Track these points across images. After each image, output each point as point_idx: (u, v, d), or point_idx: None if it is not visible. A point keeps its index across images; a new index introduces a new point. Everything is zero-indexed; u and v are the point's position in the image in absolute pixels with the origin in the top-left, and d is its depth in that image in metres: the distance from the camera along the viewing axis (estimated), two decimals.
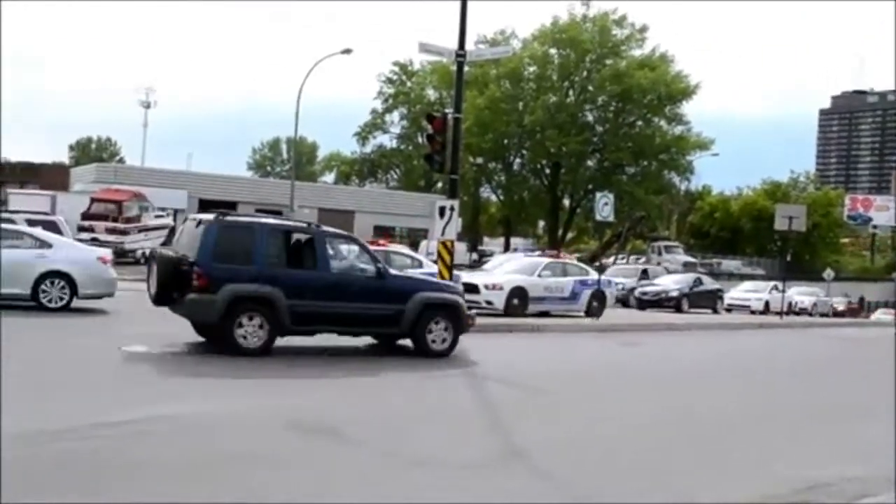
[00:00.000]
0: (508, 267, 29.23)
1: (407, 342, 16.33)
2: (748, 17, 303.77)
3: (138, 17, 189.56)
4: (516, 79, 78.33)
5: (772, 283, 49.63)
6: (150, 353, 13.86)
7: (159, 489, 6.94)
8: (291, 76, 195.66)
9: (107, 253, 20.64)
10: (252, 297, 14.32)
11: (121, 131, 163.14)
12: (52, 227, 23.20)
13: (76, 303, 18.63)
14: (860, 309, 64.77)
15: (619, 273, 41.39)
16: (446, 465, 8.47)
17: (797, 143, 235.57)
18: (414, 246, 44.39)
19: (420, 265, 23.03)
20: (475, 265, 46.13)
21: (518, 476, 8.23)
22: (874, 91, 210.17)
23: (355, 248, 16.69)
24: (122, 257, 40.58)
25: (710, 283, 43.33)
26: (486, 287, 25.57)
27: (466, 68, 24.55)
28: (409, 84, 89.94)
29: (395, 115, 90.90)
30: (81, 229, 39.19)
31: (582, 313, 27.73)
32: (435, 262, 22.81)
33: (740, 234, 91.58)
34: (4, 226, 19.19)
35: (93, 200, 44.17)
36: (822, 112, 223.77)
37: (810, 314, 48.66)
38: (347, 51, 52.53)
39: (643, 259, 66.66)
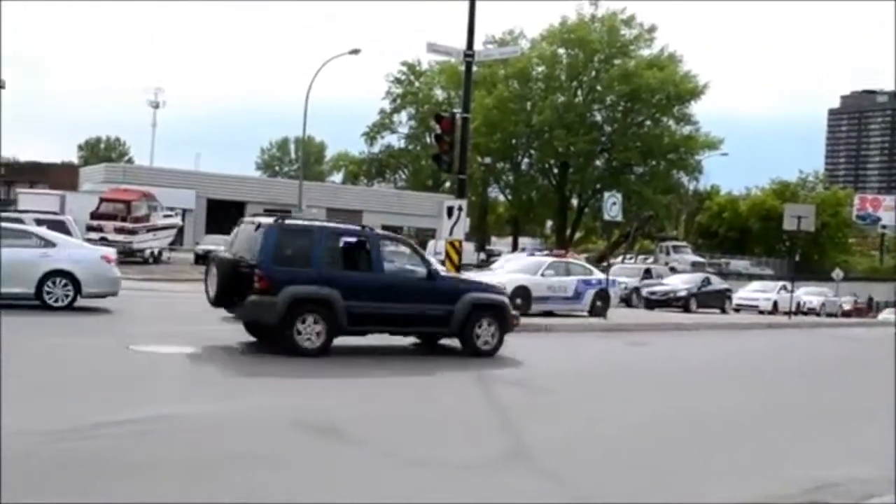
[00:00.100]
0: (512, 266, 29.18)
1: (448, 341, 16.76)
2: (757, 16, 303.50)
3: (147, 17, 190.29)
4: (524, 79, 78.29)
5: (780, 283, 49.53)
6: (156, 353, 13.85)
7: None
8: (300, 76, 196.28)
9: (110, 252, 20.62)
10: (311, 299, 14.63)
11: (130, 131, 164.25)
12: (61, 226, 23.20)
13: (80, 302, 18.65)
14: (867, 309, 64.65)
15: (622, 272, 41.25)
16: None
17: (806, 142, 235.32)
18: (422, 246, 44.38)
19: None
20: (483, 265, 46.08)
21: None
22: (884, 91, 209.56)
23: (406, 249, 17.41)
24: (131, 257, 40.68)
25: (718, 283, 43.26)
26: None
27: (475, 68, 24.58)
28: (417, 84, 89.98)
29: (404, 115, 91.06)
30: (90, 229, 39.23)
31: (585, 313, 27.69)
32: (443, 262, 22.78)
33: (749, 233, 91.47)
34: (8, 225, 19.18)
35: (102, 200, 44.19)
36: (832, 112, 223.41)
37: (818, 314, 48.57)
38: (356, 51, 52.56)
39: (651, 259, 66.56)
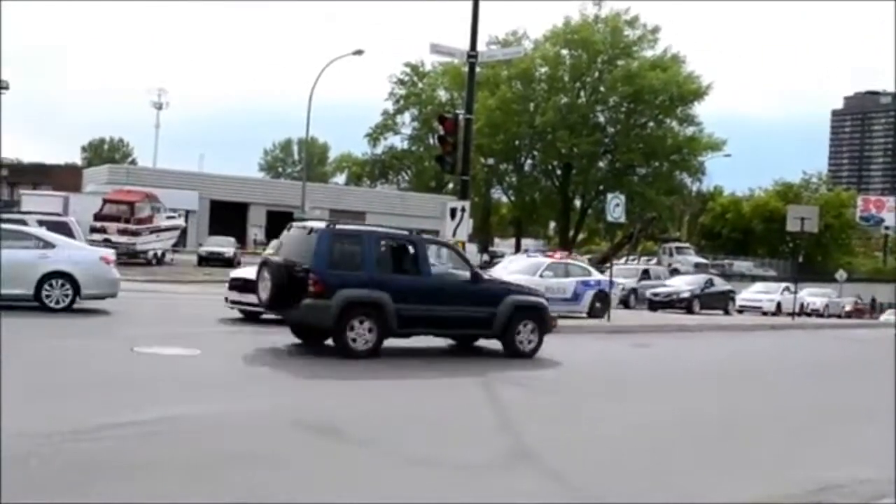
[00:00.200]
0: (511, 268, 29.15)
1: (481, 343, 17.19)
2: (760, 17, 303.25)
3: (150, 18, 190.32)
4: (528, 80, 78.35)
5: (783, 285, 49.46)
6: (160, 354, 13.85)
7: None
8: (303, 77, 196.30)
9: (110, 253, 20.58)
10: (363, 302, 14.95)
11: (133, 132, 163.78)
12: (64, 228, 23.13)
13: (81, 304, 18.62)
14: (871, 310, 64.57)
15: (620, 273, 41.19)
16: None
17: (809, 143, 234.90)
18: None
19: None
20: (486, 266, 46.14)
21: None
22: (887, 92, 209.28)
23: (451, 253, 17.91)
24: (134, 258, 40.70)
25: (721, 285, 43.20)
26: None
27: (478, 69, 24.55)
28: (420, 85, 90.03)
29: (407, 117, 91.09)
30: (94, 230, 39.25)
31: (584, 314, 27.66)
32: None
33: (752, 235, 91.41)
34: (7, 226, 19.12)
35: (105, 201, 44.23)
36: (835, 113, 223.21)
37: (822, 315, 48.50)
38: (359, 52, 52.62)
39: (654, 260, 66.54)
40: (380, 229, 16.88)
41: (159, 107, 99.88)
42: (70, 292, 18.37)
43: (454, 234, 21.97)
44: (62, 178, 73.27)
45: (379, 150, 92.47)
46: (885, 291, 70.85)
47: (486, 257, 62.31)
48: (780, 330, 32.90)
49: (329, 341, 15.50)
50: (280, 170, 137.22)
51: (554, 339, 17.78)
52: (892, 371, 17.63)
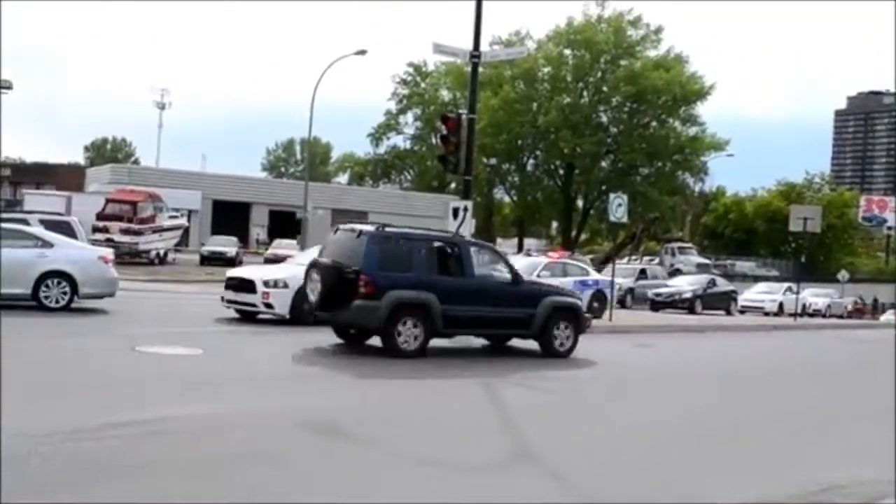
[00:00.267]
0: None
1: (515, 343, 17.73)
2: (763, 16, 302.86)
3: (153, 18, 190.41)
4: (531, 79, 78.26)
5: (786, 285, 49.43)
6: (161, 354, 13.85)
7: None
8: (306, 77, 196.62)
9: (108, 252, 20.58)
10: (412, 303, 15.41)
11: (136, 132, 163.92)
12: (66, 227, 23.16)
13: (77, 302, 18.62)
14: (871, 310, 64.53)
15: (617, 273, 41.11)
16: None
17: (812, 143, 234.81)
18: None
19: None
20: None
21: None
22: (890, 92, 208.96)
23: (492, 256, 18.35)
24: (137, 258, 40.75)
25: (723, 285, 43.19)
26: None
27: (481, 69, 24.54)
28: (423, 85, 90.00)
29: (409, 116, 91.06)
30: (96, 230, 39.33)
31: None
32: None
33: (754, 235, 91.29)
34: (5, 225, 19.10)
35: (107, 201, 44.30)
36: (838, 113, 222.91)
37: (824, 316, 48.47)
38: (362, 52, 52.50)
39: (656, 260, 66.50)
40: (426, 232, 17.52)
41: (162, 106, 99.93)
42: (68, 292, 18.36)
43: (457, 234, 21.93)
44: (65, 177, 73.32)
45: (381, 149, 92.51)
46: (887, 292, 70.76)
47: None
48: (782, 330, 32.89)
49: (371, 341, 16.23)
50: (282, 170, 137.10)
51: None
52: (892, 372, 17.64)
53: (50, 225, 22.27)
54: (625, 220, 30.30)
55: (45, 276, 18.15)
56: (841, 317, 50.67)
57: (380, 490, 7.39)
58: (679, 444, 10.31)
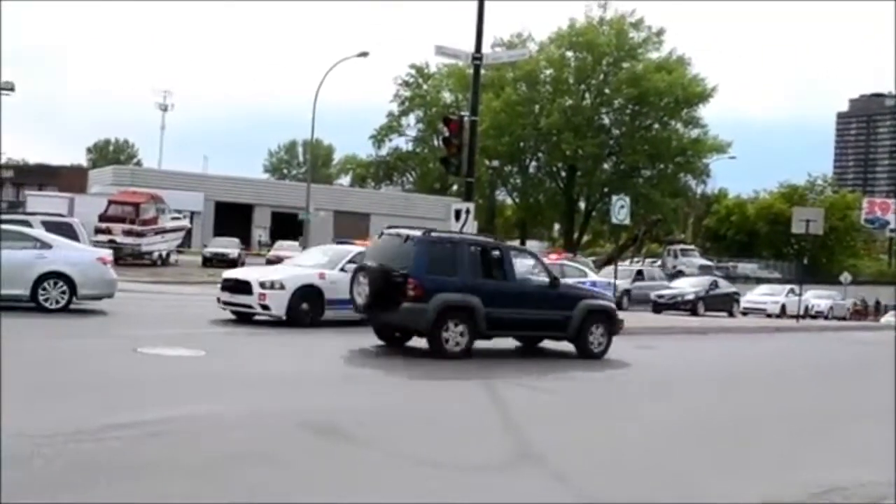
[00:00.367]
0: None
1: (546, 344, 18.20)
2: (765, 18, 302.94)
3: (156, 19, 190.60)
4: (532, 82, 78.31)
5: (788, 287, 49.44)
6: (163, 356, 13.84)
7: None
8: (308, 79, 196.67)
9: (106, 253, 20.57)
10: (458, 306, 15.89)
11: (138, 134, 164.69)
12: (69, 229, 23.11)
13: (77, 303, 18.62)
14: (873, 311, 64.50)
15: (612, 274, 41.10)
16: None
17: (814, 146, 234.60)
18: None
19: None
20: None
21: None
22: (892, 94, 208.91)
23: (532, 260, 19.04)
24: (139, 259, 40.79)
25: (726, 287, 43.17)
26: None
27: (483, 71, 24.54)
28: (425, 87, 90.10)
29: (411, 118, 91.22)
30: (99, 231, 39.39)
31: None
32: None
33: (757, 237, 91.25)
34: (4, 227, 19.07)
35: (110, 203, 44.37)
36: (840, 115, 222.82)
37: (826, 318, 48.44)
38: (364, 54, 52.53)
39: (658, 262, 66.48)
40: (470, 237, 18.18)
41: (164, 108, 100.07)
42: (67, 293, 18.33)
43: None
44: (67, 179, 73.47)
45: (384, 151, 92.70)
46: (889, 294, 70.72)
47: None
48: (785, 332, 32.86)
49: (411, 343, 16.84)
50: (285, 171, 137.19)
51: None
52: (892, 373, 17.63)
53: (52, 226, 22.23)
54: (627, 222, 30.38)
55: (43, 278, 18.11)
56: (844, 318, 50.66)
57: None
58: (681, 444, 10.32)
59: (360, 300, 16.26)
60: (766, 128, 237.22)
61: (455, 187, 70.81)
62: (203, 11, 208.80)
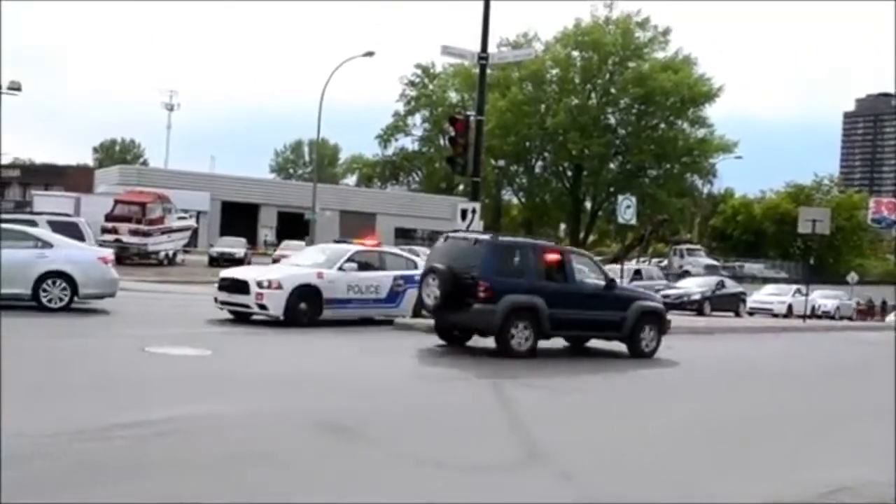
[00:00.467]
0: None
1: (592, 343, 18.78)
2: (772, 18, 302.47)
3: (162, 19, 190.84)
4: (538, 81, 78.34)
5: (795, 287, 49.30)
6: (170, 355, 13.83)
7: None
8: (314, 78, 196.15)
9: (108, 253, 20.57)
10: (525, 307, 16.44)
11: (144, 133, 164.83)
12: (75, 228, 23.17)
13: (78, 303, 18.62)
14: (879, 311, 64.30)
15: (609, 274, 40.73)
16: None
17: (821, 145, 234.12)
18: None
19: (415, 266, 22.15)
20: None
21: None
22: None
23: (589, 262, 19.56)
24: (145, 259, 40.82)
25: (732, 287, 43.13)
26: None
27: (489, 71, 24.53)
28: (431, 86, 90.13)
29: (417, 118, 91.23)
30: (105, 231, 39.43)
31: None
32: None
33: (763, 237, 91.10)
34: (5, 226, 19.08)
35: (116, 202, 44.41)
36: (847, 114, 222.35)
37: (833, 318, 48.31)
38: (370, 53, 52.59)
39: (665, 262, 66.39)
40: (535, 241, 19.03)
41: (171, 108, 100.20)
42: (68, 292, 18.33)
43: None
44: (74, 178, 73.43)
45: (390, 151, 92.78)
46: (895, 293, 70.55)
47: None
48: (791, 332, 32.79)
49: (471, 343, 17.52)
50: (291, 171, 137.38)
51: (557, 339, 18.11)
52: (892, 373, 17.58)
53: (58, 226, 22.27)
54: (633, 221, 30.30)
55: (44, 277, 18.11)
56: (850, 318, 50.52)
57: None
58: (686, 443, 10.30)
59: (429, 301, 16.75)
60: (772, 127, 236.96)
61: (461, 187, 70.84)
62: (209, 11, 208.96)
